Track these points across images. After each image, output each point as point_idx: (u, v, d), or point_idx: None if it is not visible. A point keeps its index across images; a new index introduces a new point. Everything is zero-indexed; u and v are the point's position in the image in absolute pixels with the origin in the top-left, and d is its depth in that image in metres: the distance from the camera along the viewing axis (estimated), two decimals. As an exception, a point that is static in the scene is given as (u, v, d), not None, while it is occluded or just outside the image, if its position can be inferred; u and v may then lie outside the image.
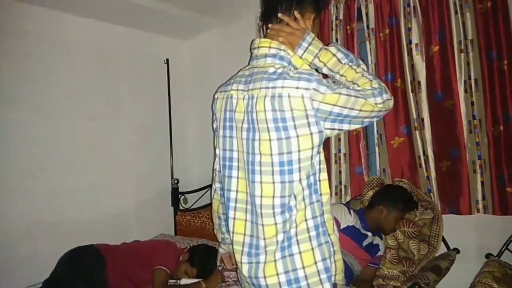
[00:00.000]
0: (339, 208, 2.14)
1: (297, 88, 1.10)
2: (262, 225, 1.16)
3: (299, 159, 1.13)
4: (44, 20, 2.64)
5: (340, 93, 1.10)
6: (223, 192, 1.31)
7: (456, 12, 2.18)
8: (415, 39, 2.32)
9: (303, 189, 1.15)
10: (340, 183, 2.59)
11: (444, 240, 2.22)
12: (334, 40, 2.59)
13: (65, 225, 2.65)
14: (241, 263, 1.21)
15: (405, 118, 2.37)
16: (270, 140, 1.14)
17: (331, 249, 1.16)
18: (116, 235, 2.67)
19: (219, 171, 1.37)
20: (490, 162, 2.11)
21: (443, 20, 2.23)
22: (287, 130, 1.12)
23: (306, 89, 1.10)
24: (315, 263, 1.14)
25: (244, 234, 1.21)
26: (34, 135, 2.57)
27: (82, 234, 2.61)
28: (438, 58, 2.25)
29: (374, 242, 2.14)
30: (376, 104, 1.12)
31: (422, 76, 2.31)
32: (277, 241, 1.15)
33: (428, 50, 2.29)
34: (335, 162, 2.60)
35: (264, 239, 1.16)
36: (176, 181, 3.26)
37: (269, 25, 1.26)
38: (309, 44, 1.18)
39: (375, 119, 1.19)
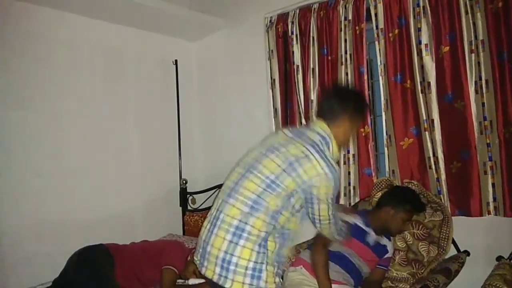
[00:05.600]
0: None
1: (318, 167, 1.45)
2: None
3: (277, 184, 1.48)
4: (53, 21, 2.67)
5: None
6: None
7: (466, 12, 2.16)
8: (424, 39, 2.30)
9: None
10: (349, 184, 2.58)
11: (454, 242, 2.20)
12: (343, 40, 2.58)
13: (72, 224, 2.67)
14: None
15: (415, 119, 2.35)
16: None
17: (265, 259, 1.43)
18: (124, 235, 2.68)
19: None
20: (501, 164, 2.09)
21: (453, 20, 2.21)
22: None
23: (317, 175, 1.45)
24: (249, 260, 1.41)
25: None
26: (42, 135, 2.60)
27: (89, 234, 2.63)
28: (448, 58, 2.24)
29: (382, 243, 2.12)
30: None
31: (432, 77, 2.29)
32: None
33: (438, 50, 2.27)
34: (344, 163, 2.60)
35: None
36: (184, 181, 3.27)
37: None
38: None
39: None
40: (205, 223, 1.56)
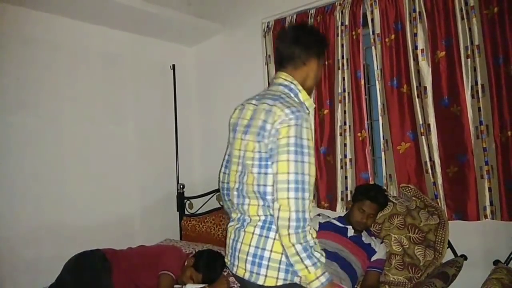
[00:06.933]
0: (313, 219, 2.30)
1: (282, 111, 1.33)
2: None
3: (264, 158, 1.37)
4: (51, 27, 2.67)
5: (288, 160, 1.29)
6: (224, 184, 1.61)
7: (462, 18, 2.18)
8: (421, 44, 2.32)
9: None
10: (346, 188, 2.58)
11: (451, 246, 2.21)
12: (339, 46, 2.59)
13: (70, 229, 2.66)
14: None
15: (411, 124, 2.36)
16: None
17: None
18: (121, 240, 2.67)
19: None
20: (497, 168, 2.09)
21: (449, 26, 2.23)
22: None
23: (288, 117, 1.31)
24: (282, 254, 1.33)
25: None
26: (39, 140, 2.59)
27: (87, 239, 2.62)
28: (444, 63, 2.25)
29: (366, 242, 2.16)
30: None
31: (428, 82, 2.30)
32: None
33: (434, 55, 2.29)
34: (341, 167, 2.60)
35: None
36: (181, 186, 3.26)
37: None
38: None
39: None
40: (231, 223, 1.51)
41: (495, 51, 2.09)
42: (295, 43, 1.48)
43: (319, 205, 2.70)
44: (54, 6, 2.56)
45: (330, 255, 2.06)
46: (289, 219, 1.25)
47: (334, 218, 2.30)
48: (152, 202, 3.21)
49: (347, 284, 1.97)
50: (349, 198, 2.56)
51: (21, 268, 2.43)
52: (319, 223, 2.28)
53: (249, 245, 1.37)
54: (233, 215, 1.52)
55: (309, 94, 1.52)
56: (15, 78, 2.51)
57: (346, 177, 2.58)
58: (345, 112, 2.58)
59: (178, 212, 3.27)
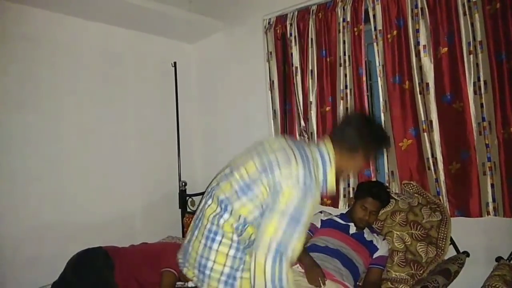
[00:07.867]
0: (315, 216, 2.30)
1: (294, 171, 1.32)
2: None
3: (248, 185, 1.41)
4: (52, 24, 2.67)
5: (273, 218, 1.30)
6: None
7: (464, 13, 2.16)
8: (423, 40, 2.31)
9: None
10: (348, 185, 2.58)
11: (453, 243, 2.20)
12: (341, 42, 2.58)
13: (72, 227, 2.67)
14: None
15: (413, 120, 2.35)
16: None
17: (242, 266, 1.38)
18: (123, 238, 2.67)
19: None
20: (500, 164, 2.09)
21: (452, 22, 2.21)
22: None
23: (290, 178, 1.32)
24: (225, 265, 1.37)
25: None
26: (41, 138, 2.59)
27: (89, 237, 2.61)
28: (446, 59, 2.24)
29: (368, 239, 2.16)
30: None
31: (430, 78, 2.29)
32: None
33: (436, 51, 2.27)
34: (343, 164, 2.59)
35: None
36: (183, 184, 3.26)
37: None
38: None
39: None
40: (191, 223, 1.56)
41: (498, 47, 2.08)
42: (355, 128, 1.48)
43: (321, 202, 2.70)
44: (55, 4, 2.55)
45: (332, 252, 2.06)
46: (264, 281, 1.27)
47: (336, 215, 2.29)
48: (154, 199, 3.21)
49: (349, 281, 1.97)
50: (351, 195, 2.56)
51: (23, 266, 2.44)
52: (321, 220, 2.28)
53: (196, 253, 1.43)
54: (197, 212, 1.55)
55: (338, 178, 1.48)
56: (16, 76, 2.51)
57: (348, 174, 2.58)
58: (347, 109, 2.58)
59: (180, 210, 3.27)
